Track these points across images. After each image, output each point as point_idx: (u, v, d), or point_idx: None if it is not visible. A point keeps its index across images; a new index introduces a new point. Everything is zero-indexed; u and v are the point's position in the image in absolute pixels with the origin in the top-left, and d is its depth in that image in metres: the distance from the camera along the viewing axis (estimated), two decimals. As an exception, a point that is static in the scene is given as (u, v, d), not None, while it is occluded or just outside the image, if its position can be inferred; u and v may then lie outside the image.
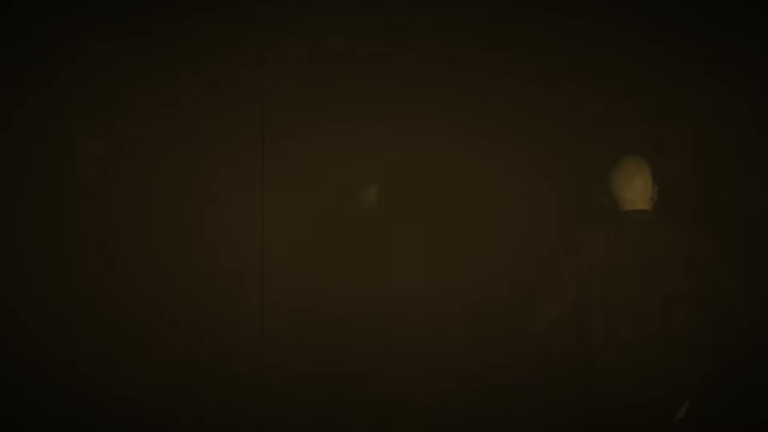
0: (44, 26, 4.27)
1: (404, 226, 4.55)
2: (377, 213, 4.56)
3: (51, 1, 4.18)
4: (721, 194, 4.38)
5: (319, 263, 4.58)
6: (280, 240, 4.79)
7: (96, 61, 4.39)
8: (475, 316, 4.32)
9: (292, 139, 4.77)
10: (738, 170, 4.34)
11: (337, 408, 4.26)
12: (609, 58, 4.44)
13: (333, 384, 4.32)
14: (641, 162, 2.85)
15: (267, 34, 4.52)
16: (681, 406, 2.84)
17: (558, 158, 4.63)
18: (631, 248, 2.72)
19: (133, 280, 4.65)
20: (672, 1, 4.25)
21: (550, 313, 2.74)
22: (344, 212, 4.59)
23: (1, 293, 4.23)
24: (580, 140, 4.59)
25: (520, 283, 4.39)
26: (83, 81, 4.45)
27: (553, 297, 2.74)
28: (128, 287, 4.61)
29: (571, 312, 2.75)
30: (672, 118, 4.48)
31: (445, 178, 4.63)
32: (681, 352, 2.78)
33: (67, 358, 4.29)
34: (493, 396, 4.19)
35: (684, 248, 2.78)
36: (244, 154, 4.73)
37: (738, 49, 4.21)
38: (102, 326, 4.47)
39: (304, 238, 4.70)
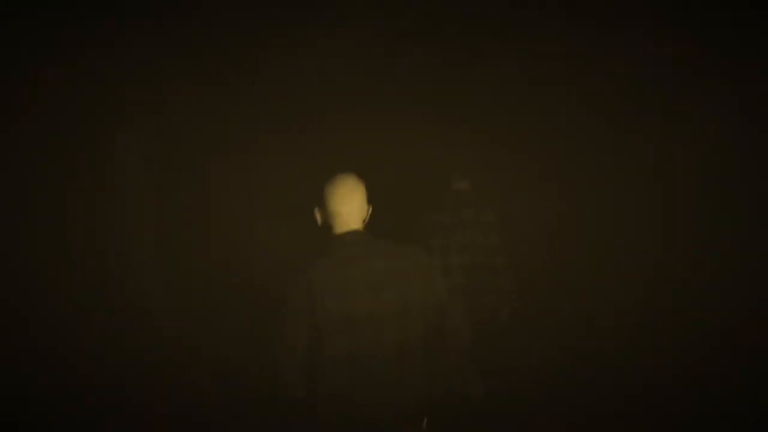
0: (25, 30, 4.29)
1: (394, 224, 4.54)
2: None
3: (51, 7, 4.19)
4: (721, 193, 4.39)
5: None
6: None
7: (96, 61, 4.41)
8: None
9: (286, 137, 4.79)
10: (738, 170, 4.35)
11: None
12: (609, 58, 4.45)
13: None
14: (358, 180, 2.69)
15: (265, 35, 4.54)
16: (421, 423, 2.64)
17: (559, 158, 4.64)
18: (356, 269, 2.57)
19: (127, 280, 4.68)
20: (672, 2, 4.25)
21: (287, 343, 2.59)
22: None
23: (2, 295, 4.25)
24: (579, 140, 4.60)
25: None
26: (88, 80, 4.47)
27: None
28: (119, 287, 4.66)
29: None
30: (672, 117, 4.49)
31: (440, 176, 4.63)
32: (415, 370, 2.60)
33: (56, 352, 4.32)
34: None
35: (406, 261, 2.62)
36: (237, 155, 4.75)
37: (738, 49, 4.21)
38: (90, 326, 4.50)
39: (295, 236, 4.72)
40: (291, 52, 4.65)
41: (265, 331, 4.66)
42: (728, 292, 4.19)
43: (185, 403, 4.33)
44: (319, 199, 2.69)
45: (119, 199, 4.74)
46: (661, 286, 4.38)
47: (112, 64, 4.41)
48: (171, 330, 4.64)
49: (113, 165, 4.73)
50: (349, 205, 2.65)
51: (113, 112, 4.61)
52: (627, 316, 4.46)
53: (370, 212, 2.74)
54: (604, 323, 4.47)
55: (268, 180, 4.88)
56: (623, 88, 4.50)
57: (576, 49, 4.43)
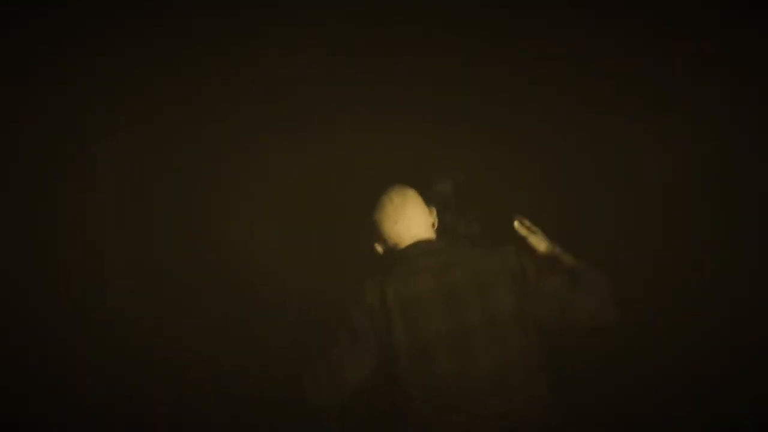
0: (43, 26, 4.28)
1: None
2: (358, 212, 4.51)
3: (50, 6, 4.19)
4: (721, 193, 4.38)
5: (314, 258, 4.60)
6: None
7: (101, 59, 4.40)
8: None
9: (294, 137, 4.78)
10: (738, 170, 4.34)
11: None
12: (608, 57, 4.44)
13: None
14: (407, 191, 2.42)
15: (272, 33, 4.54)
16: None
17: (559, 158, 4.63)
18: (432, 281, 2.22)
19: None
20: (673, 2, 4.25)
21: (350, 377, 2.17)
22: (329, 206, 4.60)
23: (2, 294, 4.25)
24: (579, 140, 4.60)
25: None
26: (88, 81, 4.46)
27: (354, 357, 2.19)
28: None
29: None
30: (672, 117, 4.48)
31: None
32: (519, 390, 2.25)
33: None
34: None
35: (492, 267, 2.28)
36: (237, 155, 4.75)
37: (738, 49, 4.21)
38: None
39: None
40: (291, 52, 4.64)
41: (265, 331, 4.68)
42: (728, 292, 4.18)
43: (185, 403, 4.33)
44: (372, 231, 2.36)
45: (118, 198, 4.73)
46: (661, 286, 4.37)
47: (110, 64, 4.41)
48: (171, 330, 4.64)
49: (111, 164, 4.72)
50: (405, 221, 2.34)
51: (109, 113, 4.60)
52: (627, 316, 4.46)
53: (435, 215, 2.44)
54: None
55: (268, 180, 4.88)
56: (623, 88, 4.49)
57: (576, 49, 4.43)
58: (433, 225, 2.42)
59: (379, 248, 2.39)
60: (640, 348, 4.26)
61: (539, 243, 2.55)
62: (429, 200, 4.29)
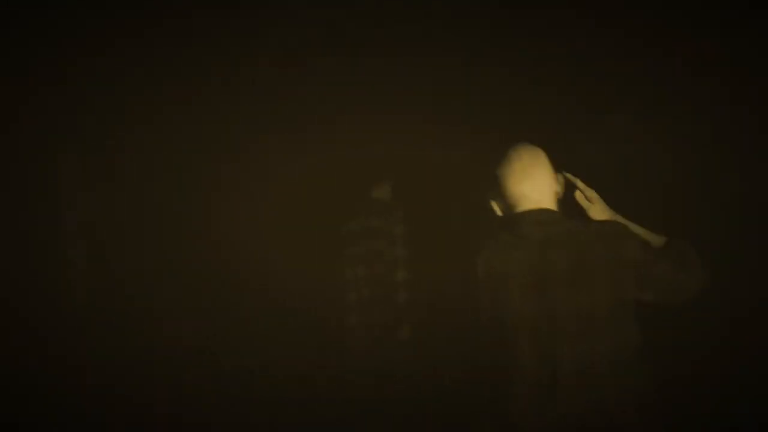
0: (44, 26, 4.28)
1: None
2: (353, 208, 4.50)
3: (50, 6, 4.18)
4: (719, 190, 4.38)
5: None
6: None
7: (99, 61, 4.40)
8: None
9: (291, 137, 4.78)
10: (738, 170, 4.34)
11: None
12: (608, 57, 4.44)
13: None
14: (537, 150, 2.23)
15: (268, 35, 4.53)
16: None
17: (559, 158, 4.63)
18: (524, 260, 2.04)
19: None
20: (673, 2, 4.24)
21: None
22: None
23: (2, 294, 4.24)
24: (579, 140, 4.60)
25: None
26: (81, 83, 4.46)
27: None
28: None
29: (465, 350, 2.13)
30: (671, 116, 4.48)
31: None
32: (608, 386, 2.06)
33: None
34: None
35: (606, 248, 2.08)
36: (237, 155, 4.75)
37: (738, 49, 4.21)
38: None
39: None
40: (291, 52, 4.64)
41: (265, 331, 4.68)
42: (728, 292, 4.18)
43: (185, 403, 4.33)
44: (493, 186, 2.17)
45: (118, 198, 4.73)
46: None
47: (110, 64, 4.41)
48: (171, 330, 4.64)
49: (111, 164, 4.72)
50: (530, 181, 2.13)
51: (109, 113, 4.61)
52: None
53: (562, 183, 2.21)
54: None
55: (268, 180, 4.88)
56: (623, 88, 4.49)
57: (576, 49, 4.43)
58: (557, 194, 2.19)
59: (495, 206, 2.19)
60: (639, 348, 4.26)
61: (601, 214, 2.35)
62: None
